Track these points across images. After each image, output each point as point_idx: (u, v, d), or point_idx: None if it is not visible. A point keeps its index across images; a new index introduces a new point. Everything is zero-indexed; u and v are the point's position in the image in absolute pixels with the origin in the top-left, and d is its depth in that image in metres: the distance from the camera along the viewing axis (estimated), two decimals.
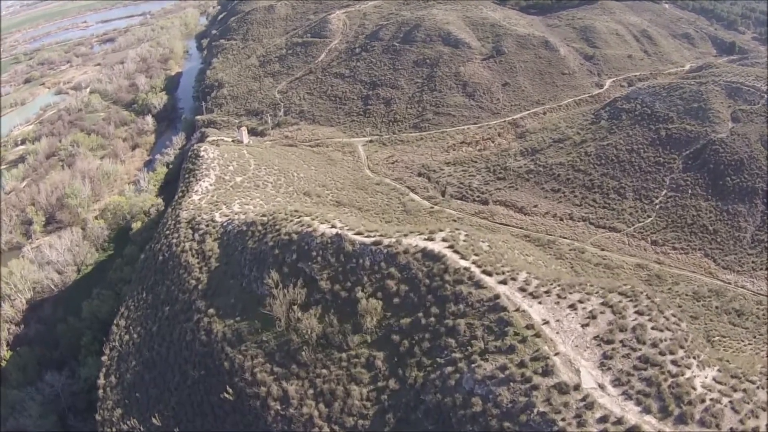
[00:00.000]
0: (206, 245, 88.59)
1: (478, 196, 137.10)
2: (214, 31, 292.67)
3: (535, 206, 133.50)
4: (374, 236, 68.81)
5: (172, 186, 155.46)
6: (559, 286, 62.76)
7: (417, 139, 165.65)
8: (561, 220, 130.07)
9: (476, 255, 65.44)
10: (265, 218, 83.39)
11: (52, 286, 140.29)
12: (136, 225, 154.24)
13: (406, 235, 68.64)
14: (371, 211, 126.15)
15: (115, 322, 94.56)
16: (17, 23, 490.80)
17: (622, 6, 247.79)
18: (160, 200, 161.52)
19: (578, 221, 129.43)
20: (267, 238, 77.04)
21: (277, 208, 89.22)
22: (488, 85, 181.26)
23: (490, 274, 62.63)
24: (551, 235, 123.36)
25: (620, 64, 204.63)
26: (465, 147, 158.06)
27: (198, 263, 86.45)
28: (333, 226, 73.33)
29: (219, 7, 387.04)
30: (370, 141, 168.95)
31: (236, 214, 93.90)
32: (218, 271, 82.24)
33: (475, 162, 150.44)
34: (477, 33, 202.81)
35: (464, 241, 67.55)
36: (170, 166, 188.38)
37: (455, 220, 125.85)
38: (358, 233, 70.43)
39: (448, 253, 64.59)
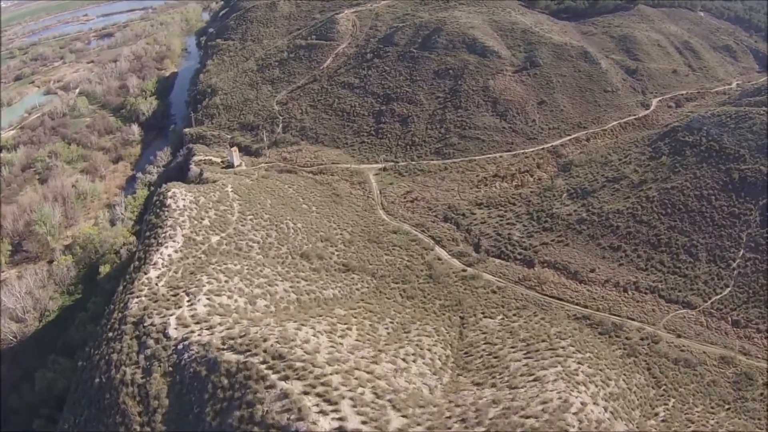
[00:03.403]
0: (152, 383, 55.11)
1: (520, 254, 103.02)
2: (211, 30, 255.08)
3: (592, 271, 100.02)
4: None
5: None
6: None
7: (440, 169, 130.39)
8: (625, 291, 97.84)
9: None
10: (233, 360, 49.71)
11: (11, 337, 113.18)
12: (105, 268, 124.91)
13: None
14: (388, 278, 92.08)
15: None
16: (19, 15, 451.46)
17: (659, 13, 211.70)
18: (132, 238, 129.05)
19: (645, 293, 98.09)
20: (233, 416, 43.44)
21: (253, 337, 54.93)
22: (522, 104, 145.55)
23: None
24: (616, 315, 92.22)
25: (665, 81, 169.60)
26: (498, 182, 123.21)
27: (139, 415, 53.01)
28: (341, 427, 38.95)
29: (222, 2, 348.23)
30: (384, 169, 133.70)
31: (198, 325, 60.16)
32: None
33: (513, 204, 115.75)
34: (506, 40, 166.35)
35: None
36: (152, 188, 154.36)
37: (495, 292, 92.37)
38: None
39: None
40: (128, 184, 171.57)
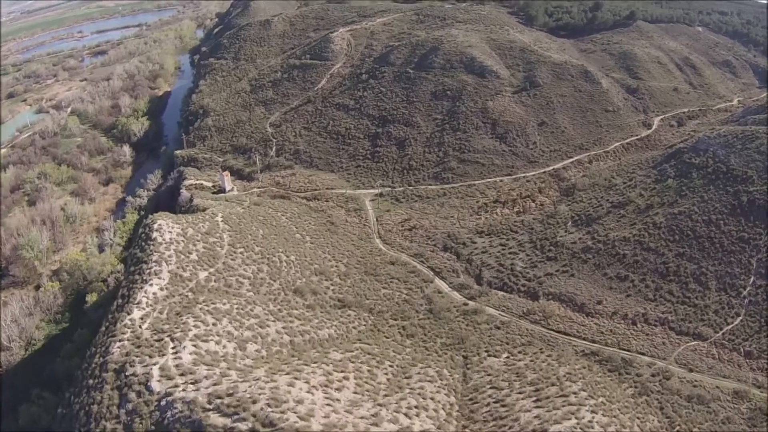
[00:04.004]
0: None
1: (524, 285, 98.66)
2: (204, 48, 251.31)
3: (599, 303, 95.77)
4: None
5: None
6: None
7: (438, 195, 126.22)
8: (634, 323, 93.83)
9: None
10: (220, 424, 45.83)
11: None
12: (92, 297, 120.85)
13: None
14: (386, 314, 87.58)
15: None
16: (14, 31, 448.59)
17: (658, 29, 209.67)
18: (120, 265, 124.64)
19: (655, 325, 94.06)
20: None
21: (242, 396, 50.32)
22: (522, 125, 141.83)
23: None
24: (625, 350, 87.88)
25: (666, 99, 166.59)
26: (499, 208, 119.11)
27: None
28: None
29: (216, 19, 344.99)
30: (380, 194, 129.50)
31: (183, 377, 55.51)
32: None
33: (515, 231, 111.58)
34: (505, 59, 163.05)
35: None
36: (142, 213, 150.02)
37: (498, 327, 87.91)
38: None
39: None
40: (118, 207, 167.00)
